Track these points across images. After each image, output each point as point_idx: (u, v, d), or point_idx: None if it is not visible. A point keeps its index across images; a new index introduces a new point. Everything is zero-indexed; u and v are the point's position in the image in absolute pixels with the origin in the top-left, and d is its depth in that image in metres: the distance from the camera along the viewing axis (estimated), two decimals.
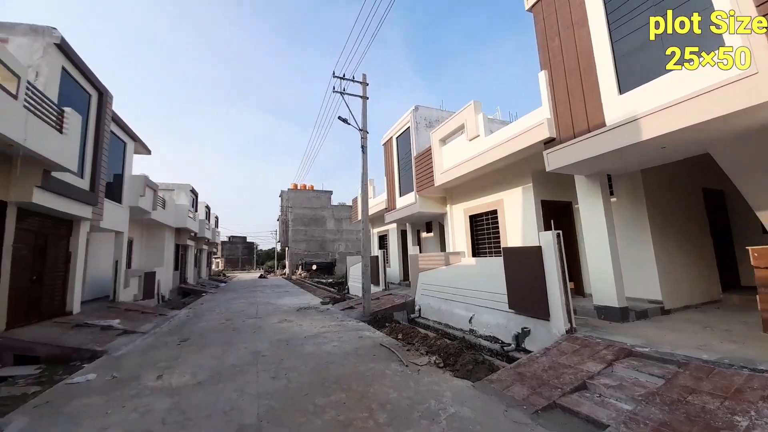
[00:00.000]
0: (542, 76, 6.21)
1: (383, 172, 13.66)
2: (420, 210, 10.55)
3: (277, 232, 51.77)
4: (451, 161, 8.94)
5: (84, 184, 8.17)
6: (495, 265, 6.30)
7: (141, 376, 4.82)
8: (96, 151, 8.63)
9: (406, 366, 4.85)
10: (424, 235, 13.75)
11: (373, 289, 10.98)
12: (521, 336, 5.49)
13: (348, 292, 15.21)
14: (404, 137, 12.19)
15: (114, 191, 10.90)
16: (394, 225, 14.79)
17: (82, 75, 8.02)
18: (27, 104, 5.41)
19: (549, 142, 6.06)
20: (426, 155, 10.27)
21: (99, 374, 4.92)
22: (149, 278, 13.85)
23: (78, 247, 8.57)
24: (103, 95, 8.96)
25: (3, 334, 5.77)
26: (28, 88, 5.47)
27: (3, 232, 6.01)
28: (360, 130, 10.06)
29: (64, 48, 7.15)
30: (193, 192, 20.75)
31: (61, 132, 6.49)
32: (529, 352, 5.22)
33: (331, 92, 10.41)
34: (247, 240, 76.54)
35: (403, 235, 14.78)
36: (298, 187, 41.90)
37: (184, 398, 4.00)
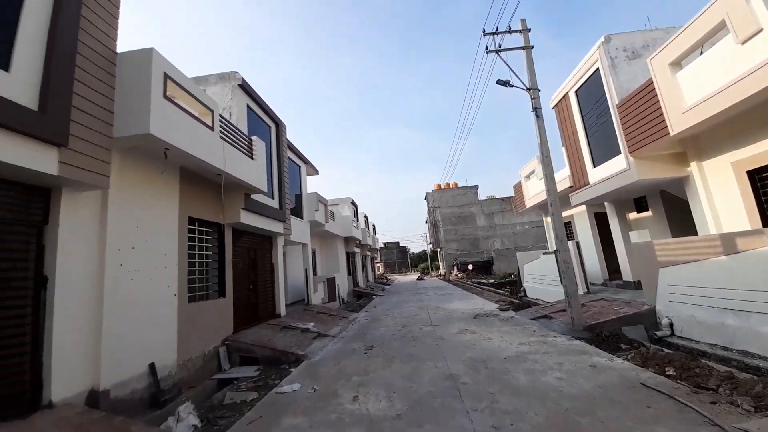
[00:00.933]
0: None
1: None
2: (639, 178, 7.27)
3: (427, 234, 52.63)
4: (703, 89, 5.60)
5: (274, 203, 9.26)
6: None
7: (338, 392, 4.43)
8: (280, 174, 9.74)
9: None
10: (633, 216, 9.96)
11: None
12: None
13: (525, 295, 12.76)
14: (590, 86, 9.05)
15: (296, 209, 12.40)
16: (582, 208, 11.43)
17: (261, 110, 9.17)
18: (222, 135, 6.08)
19: None
20: (642, 96, 7.00)
21: (302, 384, 4.82)
22: (330, 283, 15.41)
23: (278, 259, 9.81)
24: (279, 125, 10.12)
25: (231, 337, 6.67)
26: (221, 121, 6.16)
27: (224, 249, 7.06)
28: (528, 89, 7.88)
29: (245, 88, 8.20)
30: (354, 204, 22.78)
31: (252, 158, 7.27)
32: None
33: (477, 65, 8.64)
34: (400, 245, 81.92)
35: (598, 219, 11.23)
36: (442, 187, 41.24)
37: None
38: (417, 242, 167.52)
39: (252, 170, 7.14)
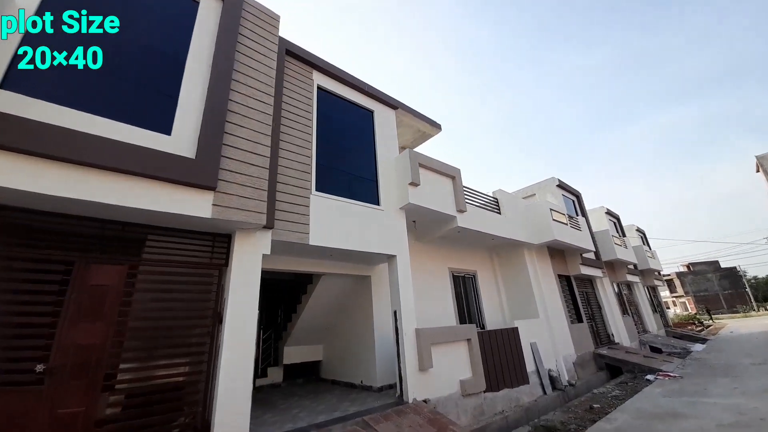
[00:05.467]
0: None
1: None
2: None
3: None
4: None
5: (173, 144, 3.60)
6: None
7: None
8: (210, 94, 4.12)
9: None
10: None
11: None
12: None
13: None
14: None
15: (364, 189, 6.08)
16: None
17: None
18: None
19: None
20: None
21: None
22: (505, 342, 7.00)
23: (229, 294, 3.79)
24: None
25: None
26: None
27: None
28: None
29: None
30: (566, 189, 12.54)
31: None
32: None
33: None
34: (721, 266, 49.56)
35: None
36: None
37: None
38: (755, 256, 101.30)
39: None
